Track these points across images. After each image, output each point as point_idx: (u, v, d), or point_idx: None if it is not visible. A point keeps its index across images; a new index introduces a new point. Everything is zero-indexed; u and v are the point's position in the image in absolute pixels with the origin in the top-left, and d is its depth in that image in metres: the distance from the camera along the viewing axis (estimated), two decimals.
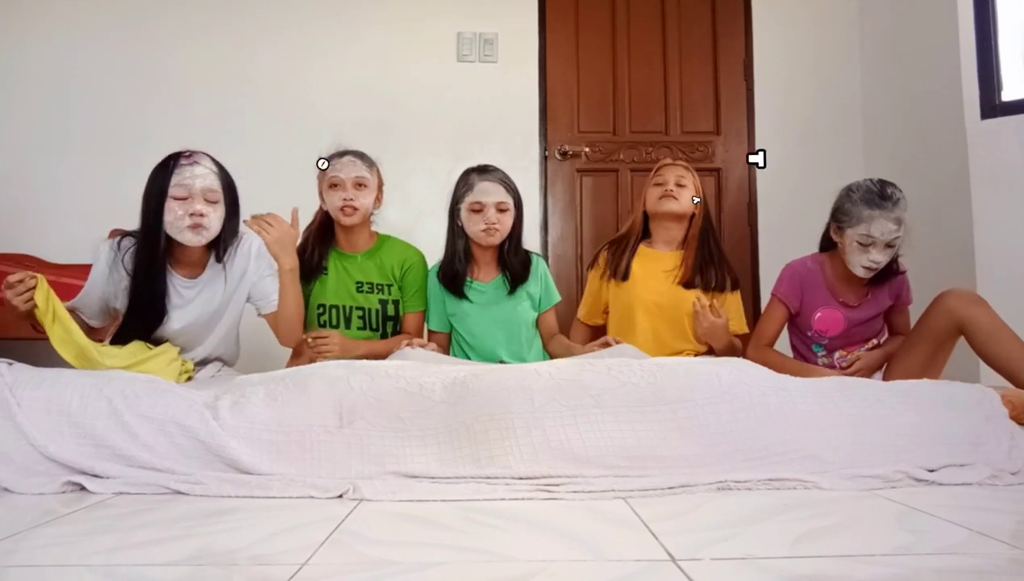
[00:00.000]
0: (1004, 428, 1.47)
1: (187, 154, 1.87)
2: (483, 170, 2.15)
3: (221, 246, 1.93)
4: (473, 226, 2.11)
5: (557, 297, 2.31)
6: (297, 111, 3.14)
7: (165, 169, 1.85)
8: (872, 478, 1.33)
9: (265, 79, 3.15)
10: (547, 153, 3.20)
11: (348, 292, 2.16)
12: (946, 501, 1.21)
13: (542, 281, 2.26)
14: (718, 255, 2.31)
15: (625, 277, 2.27)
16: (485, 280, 2.21)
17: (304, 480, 1.31)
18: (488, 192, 2.08)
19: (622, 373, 1.51)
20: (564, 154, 3.20)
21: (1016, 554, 0.94)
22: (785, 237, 3.13)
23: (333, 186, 2.13)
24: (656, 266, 2.30)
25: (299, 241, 2.22)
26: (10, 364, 1.52)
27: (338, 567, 0.90)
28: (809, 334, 2.20)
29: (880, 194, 2.01)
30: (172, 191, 1.81)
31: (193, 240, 1.84)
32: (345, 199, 2.10)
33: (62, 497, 1.28)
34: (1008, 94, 2.62)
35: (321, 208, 2.23)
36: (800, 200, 3.17)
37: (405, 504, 1.22)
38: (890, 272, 2.13)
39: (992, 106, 2.62)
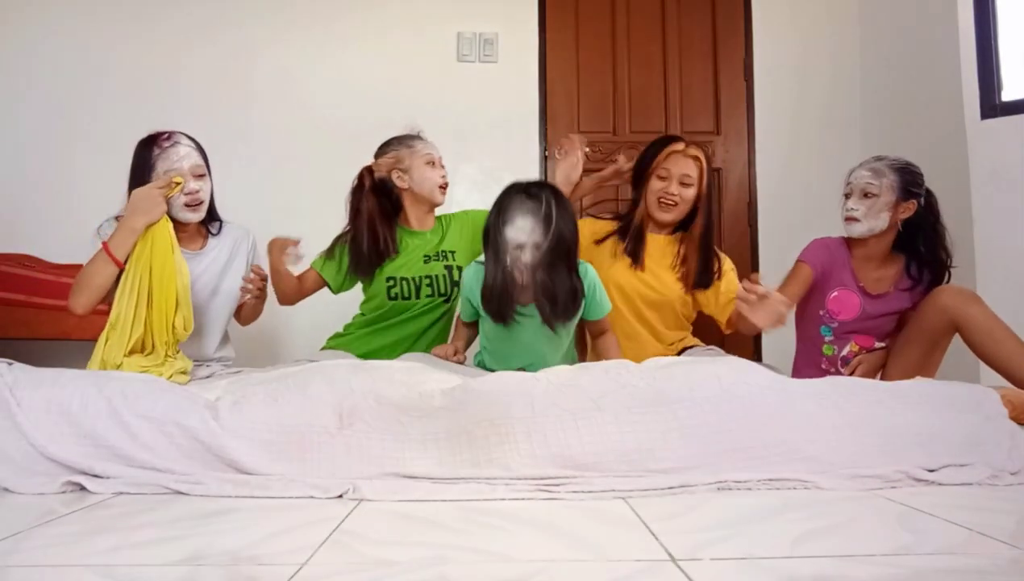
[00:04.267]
0: (1004, 428, 1.47)
1: (165, 136, 1.94)
2: (527, 194, 1.87)
3: (209, 215, 2.04)
4: (511, 262, 1.85)
5: (607, 306, 2.03)
6: (298, 111, 3.14)
7: (147, 152, 1.92)
8: (872, 478, 1.33)
9: (266, 79, 3.15)
10: (547, 153, 3.20)
11: (417, 265, 2.22)
12: (946, 501, 1.21)
13: (587, 294, 1.97)
14: (714, 248, 2.23)
15: (638, 262, 2.18)
16: (524, 302, 1.93)
17: (304, 480, 1.31)
18: (527, 231, 1.83)
19: (621, 375, 1.51)
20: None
21: (1016, 554, 0.94)
22: (785, 237, 3.12)
23: (431, 164, 2.22)
24: (652, 248, 2.22)
25: (348, 233, 2.20)
26: (10, 364, 1.52)
27: (338, 567, 0.90)
28: (821, 313, 2.17)
29: (872, 157, 2.15)
30: (164, 172, 1.90)
31: (192, 217, 1.96)
32: (443, 177, 2.23)
33: (62, 497, 1.28)
34: (1008, 94, 2.62)
35: (366, 197, 2.19)
36: (800, 200, 3.17)
37: (405, 504, 1.23)
38: (923, 273, 2.11)
39: (992, 106, 2.62)
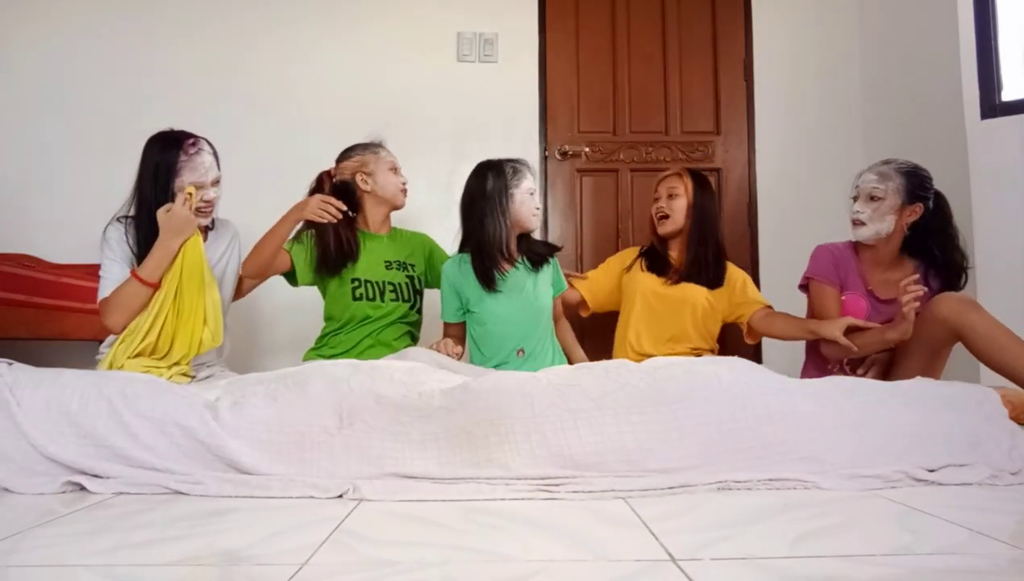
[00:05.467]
0: (1004, 428, 1.47)
1: (191, 141, 1.96)
2: (520, 160, 2.30)
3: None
4: (526, 211, 2.24)
5: (564, 285, 2.40)
6: (297, 110, 3.13)
7: (171, 151, 1.94)
8: (872, 478, 1.33)
9: (264, 78, 3.14)
10: (547, 153, 3.20)
11: (381, 268, 2.30)
12: (946, 501, 1.21)
13: (553, 265, 2.36)
14: (714, 253, 2.34)
15: (663, 275, 2.36)
16: (505, 270, 2.26)
17: (304, 480, 1.31)
18: (533, 181, 2.30)
19: (620, 375, 1.51)
20: (564, 154, 3.20)
21: (1016, 554, 0.94)
22: (785, 237, 3.13)
23: (393, 170, 2.35)
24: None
25: (317, 234, 2.22)
26: (10, 364, 1.52)
27: (338, 567, 0.90)
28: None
29: (880, 161, 2.17)
30: (189, 185, 1.93)
31: (202, 222, 2.01)
32: (404, 182, 2.37)
33: (62, 497, 1.29)
34: (1008, 94, 2.61)
35: (319, 195, 2.22)
36: (800, 200, 3.17)
37: (405, 504, 1.23)
38: (937, 277, 2.11)
39: (992, 106, 2.62)
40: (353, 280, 2.25)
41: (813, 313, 2.22)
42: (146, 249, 1.91)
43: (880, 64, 3.17)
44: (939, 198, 2.14)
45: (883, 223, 2.09)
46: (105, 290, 1.92)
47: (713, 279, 2.33)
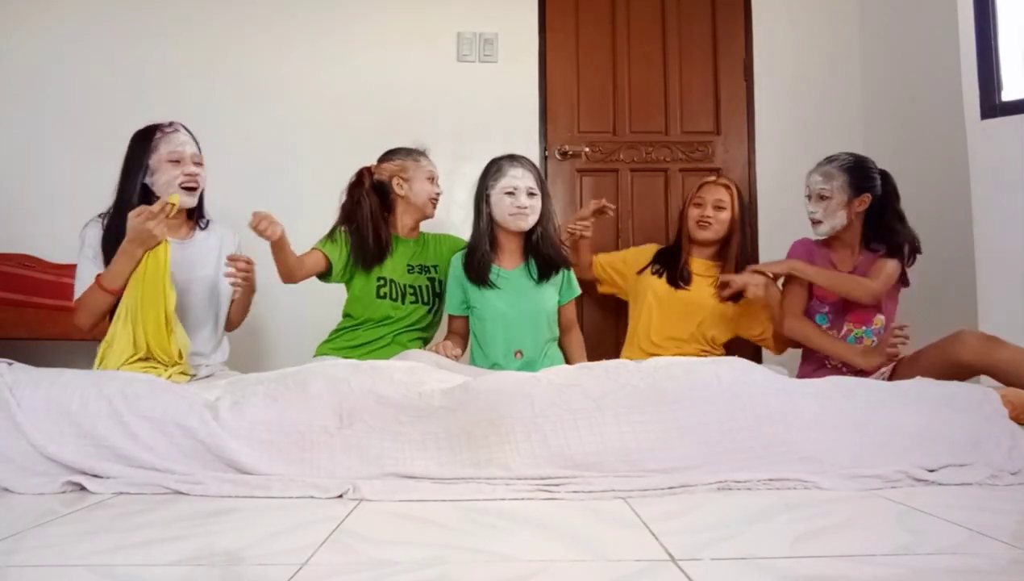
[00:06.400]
0: (1004, 428, 1.48)
1: (167, 124, 2.00)
2: (512, 157, 2.26)
3: (198, 209, 2.09)
4: (500, 211, 2.20)
5: (578, 290, 2.39)
6: (297, 111, 3.13)
7: (148, 139, 1.97)
8: (872, 478, 1.33)
9: (263, 77, 3.14)
10: (547, 153, 3.20)
11: (403, 271, 2.34)
12: (946, 501, 1.21)
13: (564, 275, 2.34)
14: (742, 268, 2.43)
15: (688, 282, 2.42)
16: (508, 268, 2.27)
17: (304, 480, 1.31)
18: (519, 177, 2.19)
19: (620, 375, 1.51)
20: (564, 154, 3.20)
21: (1016, 554, 0.94)
22: (785, 237, 3.09)
23: (431, 179, 2.38)
24: (693, 267, 2.48)
25: (349, 224, 2.28)
26: (10, 364, 1.52)
27: (338, 567, 0.90)
28: (810, 302, 2.30)
29: (825, 159, 2.28)
30: (167, 156, 1.95)
31: (187, 201, 1.99)
32: (438, 192, 2.40)
33: (62, 497, 1.29)
34: (1008, 94, 2.61)
35: (368, 195, 2.31)
36: (800, 200, 3.15)
37: (405, 504, 1.23)
38: (880, 240, 2.22)
39: (992, 106, 2.61)
40: (379, 278, 2.30)
41: (785, 299, 2.32)
42: (117, 244, 1.87)
43: (880, 64, 3.17)
44: (885, 179, 2.24)
45: (836, 218, 2.22)
46: (78, 291, 1.93)
47: (737, 294, 2.38)
